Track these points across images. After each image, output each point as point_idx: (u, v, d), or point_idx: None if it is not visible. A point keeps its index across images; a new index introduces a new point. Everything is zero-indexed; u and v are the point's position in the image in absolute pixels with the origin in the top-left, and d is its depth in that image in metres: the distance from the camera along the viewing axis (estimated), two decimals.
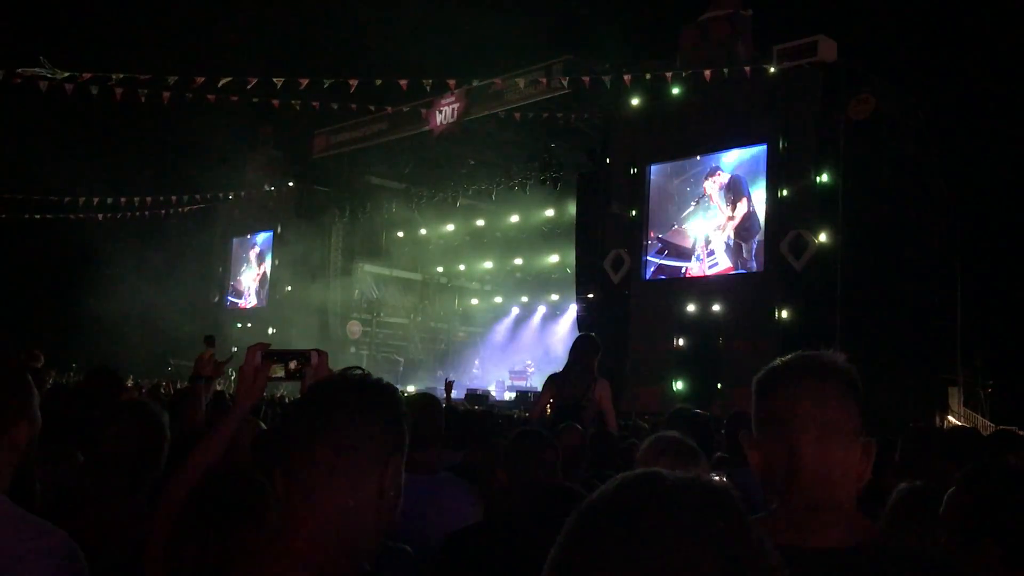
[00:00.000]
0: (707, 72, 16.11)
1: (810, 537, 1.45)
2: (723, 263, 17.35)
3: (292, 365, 2.13)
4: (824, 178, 15.52)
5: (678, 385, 16.52)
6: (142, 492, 2.57)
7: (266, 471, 1.87)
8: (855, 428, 1.51)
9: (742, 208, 17.08)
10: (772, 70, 16.19)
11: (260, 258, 30.98)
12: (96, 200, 23.54)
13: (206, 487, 2.05)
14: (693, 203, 17.91)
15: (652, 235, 18.53)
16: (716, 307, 16.73)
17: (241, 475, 2.14)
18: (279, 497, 1.48)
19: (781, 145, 16.25)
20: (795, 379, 1.54)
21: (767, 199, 16.58)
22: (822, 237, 15.41)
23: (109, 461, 2.55)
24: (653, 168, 18.64)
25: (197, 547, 1.93)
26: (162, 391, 11.02)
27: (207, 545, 1.92)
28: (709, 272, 17.54)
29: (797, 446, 1.48)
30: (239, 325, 29.59)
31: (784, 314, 15.71)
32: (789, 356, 1.61)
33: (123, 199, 23.99)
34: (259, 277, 30.88)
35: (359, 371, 1.59)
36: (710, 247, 17.54)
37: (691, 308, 17.12)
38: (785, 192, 16.10)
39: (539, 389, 8.42)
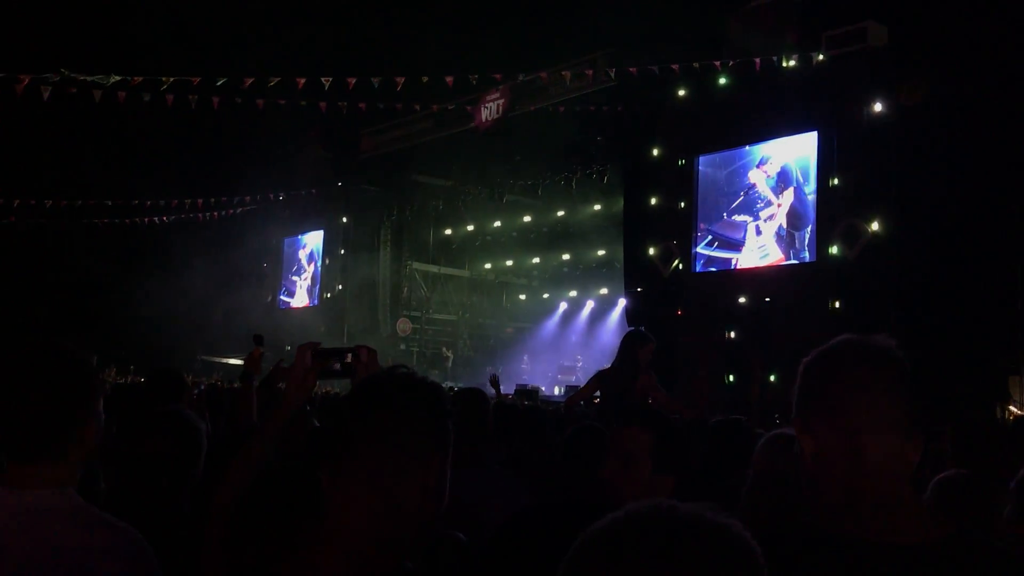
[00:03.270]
0: (755, 60, 15.94)
1: (885, 533, 1.41)
2: (774, 254, 17.14)
3: (342, 361, 2.17)
4: (876, 166, 15.26)
5: (730, 378, 16.37)
6: (183, 497, 2.62)
7: (319, 467, 1.91)
8: (911, 418, 1.48)
9: (792, 197, 16.86)
10: (820, 57, 15.96)
11: (310, 258, 31.32)
12: (148, 203, 23.99)
13: (264, 483, 2.09)
14: (742, 193, 17.72)
15: (702, 227, 18.37)
16: (768, 298, 16.54)
17: (297, 471, 2.17)
18: (325, 492, 1.52)
19: (831, 133, 16.01)
20: (851, 368, 1.50)
21: (818, 188, 16.34)
22: (875, 226, 15.15)
23: (148, 468, 2.61)
24: (701, 159, 18.47)
25: (255, 542, 1.96)
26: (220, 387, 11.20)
27: (265, 540, 1.96)
28: (760, 263, 17.34)
29: (860, 440, 1.44)
30: (291, 324, 29.98)
31: (837, 304, 15.48)
32: (839, 340, 1.58)
33: (174, 201, 24.42)
34: (309, 276, 31.23)
35: (404, 369, 1.62)
36: (761, 238, 17.34)
37: (742, 300, 16.95)
38: (836, 181, 15.85)
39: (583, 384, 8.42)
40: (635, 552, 0.86)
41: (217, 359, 26.97)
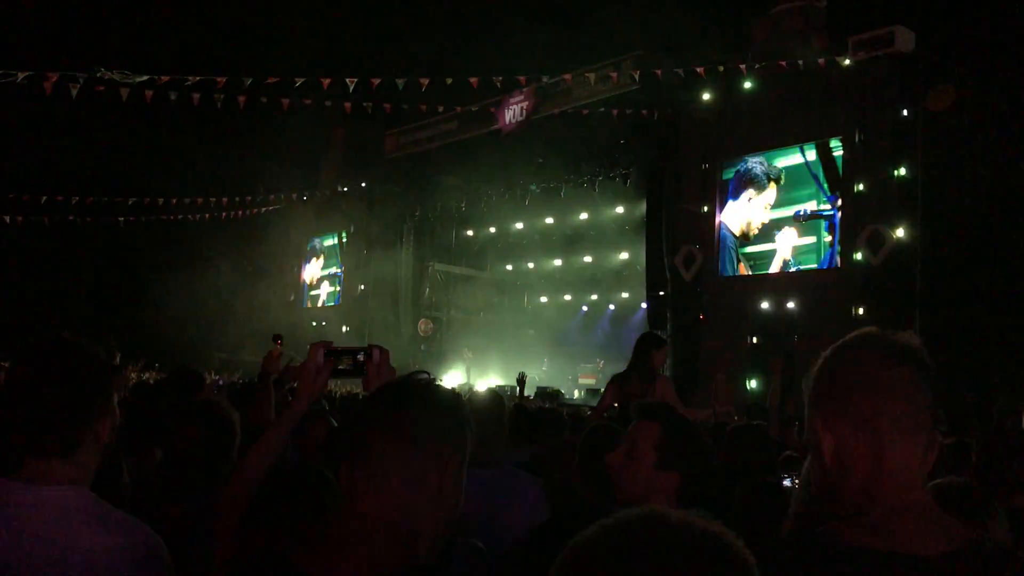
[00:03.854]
0: (781, 64, 15.84)
1: (905, 543, 1.35)
2: (798, 259, 17.05)
3: (354, 360, 2.18)
4: (902, 172, 15.14)
5: (752, 383, 16.27)
6: (216, 487, 2.65)
7: (336, 466, 1.95)
8: (931, 421, 1.44)
9: (816, 202, 16.76)
10: (847, 62, 15.84)
11: (333, 257, 31.46)
12: (174, 201, 24.17)
13: (278, 480, 2.11)
14: (766, 198, 17.62)
15: (724, 231, 18.28)
16: (791, 304, 16.44)
17: (311, 469, 2.20)
18: (343, 489, 1.57)
19: (857, 138, 15.90)
20: (875, 367, 1.44)
21: (843, 193, 16.23)
22: (900, 232, 15.03)
23: (183, 459, 2.63)
24: (725, 163, 18.40)
25: (266, 538, 2.00)
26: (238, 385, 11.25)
27: (276, 536, 1.98)
28: (784, 269, 17.24)
29: (885, 445, 1.39)
30: (314, 323, 30.12)
31: (861, 311, 15.36)
32: (861, 336, 1.52)
33: (199, 200, 24.59)
34: (332, 276, 31.37)
35: (425, 375, 1.68)
36: (785, 242, 17.23)
37: (765, 305, 16.86)
38: (862, 186, 15.75)
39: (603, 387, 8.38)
40: (622, 562, 0.85)
41: (236, 357, 27.11)
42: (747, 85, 17.28)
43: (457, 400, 1.65)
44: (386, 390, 1.64)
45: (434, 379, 1.68)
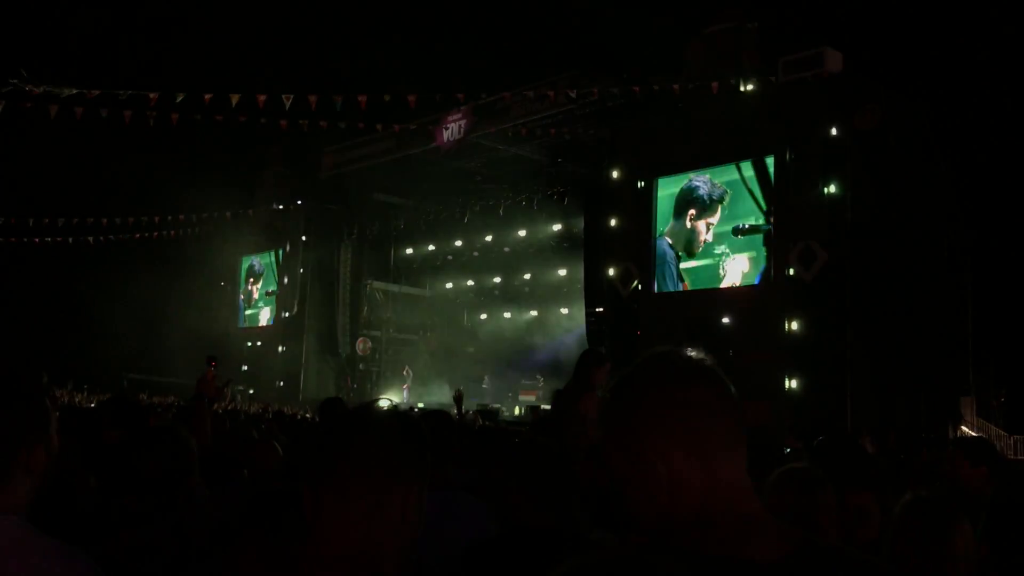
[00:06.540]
0: (714, 84, 16.13)
1: (755, 549, 1.33)
2: (732, 275, 17.31)
3: None
4: (832, 189, 15.50)
5: None
6: (173, 512, 2.61)
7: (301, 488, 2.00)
8: (743, 434, 1.46)
9: (749, 219, 17.05)
10: (777, 82, 16.20)
11: (269, 277, 31.03)
12: (104, 221, 23.62)
13: (260, 502, 2.21)
14: (700, 215, 17.88)
15: (660, 247, 18.50)
16: (725, 319, 16.67)
17: (290, 492, 2.23)
18: (308, 514, 1.60)
19: (788, 157, 16.23)
20: (692, 388, 1.44)
21: (775, 211, 16.55)
22: (830, 248, 15.36)
23: (141, 484, 2.59)
24: (660, 180, 18.63)
25: (253, 556, 2.06)
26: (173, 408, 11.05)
27: (261, 554, 2.05)
28: (718, 284, 17.50)
29: (717, 465, 1.39)
30: (249, 344, 29.65)
31: (794, 326, 15.66)
32: (659, 356, 1.52)
33: (131, 219, 24.08)
34: (268, 295, 30.92)
35: (387, 401, 1.72)
36: (719, 259, 17.49)
37: (700, 320, 17.05)
38: (793, 203, 16.08)
39: (547, 404, 8.33)
40: None
41: (151, 378, 26.40)
42: (681, 104, 17.53)
43: (418, 426, 1.68)
44: (350, 416, 1.67)
45: (396, 405, 1.71)
